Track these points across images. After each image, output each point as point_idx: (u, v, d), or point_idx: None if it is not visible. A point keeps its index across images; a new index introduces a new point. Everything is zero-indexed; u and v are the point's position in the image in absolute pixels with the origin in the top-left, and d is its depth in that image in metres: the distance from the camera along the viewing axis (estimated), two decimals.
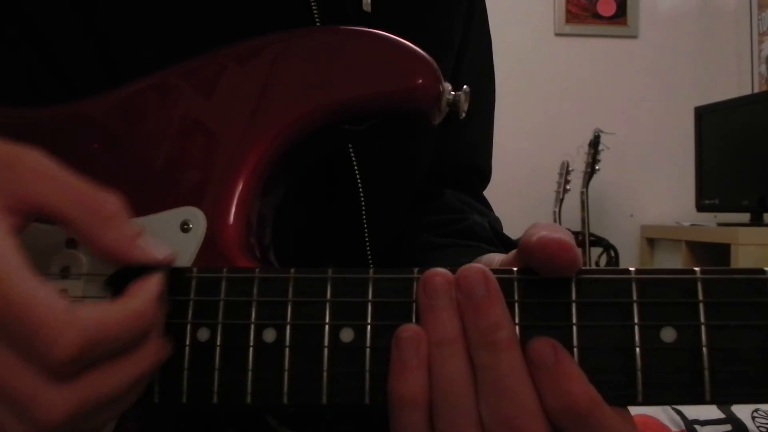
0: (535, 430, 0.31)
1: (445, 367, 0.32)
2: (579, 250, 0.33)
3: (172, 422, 0.42)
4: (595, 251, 2.81)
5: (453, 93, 0.42)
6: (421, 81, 0.41)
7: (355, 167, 0.51)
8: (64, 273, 0.40)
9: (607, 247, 2.83)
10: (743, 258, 2.21)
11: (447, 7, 0.59)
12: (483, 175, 0.69)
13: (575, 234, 2.73)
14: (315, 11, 0.48)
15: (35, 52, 0.48)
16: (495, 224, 0.61)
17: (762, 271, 0.32)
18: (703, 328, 0.32)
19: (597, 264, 2.79)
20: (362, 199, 0.52)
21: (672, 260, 2.82)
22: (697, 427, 0.65)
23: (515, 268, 0.34)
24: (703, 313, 0.32)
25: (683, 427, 0.65)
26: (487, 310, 0.32)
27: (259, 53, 0.43)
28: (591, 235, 2.72)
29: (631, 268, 0.33)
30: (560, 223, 2.70)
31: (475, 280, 0.33)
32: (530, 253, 0.33)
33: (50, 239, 0.41)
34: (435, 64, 0.41)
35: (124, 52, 0.47)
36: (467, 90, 0.43)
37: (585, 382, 0.31)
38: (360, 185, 0.52)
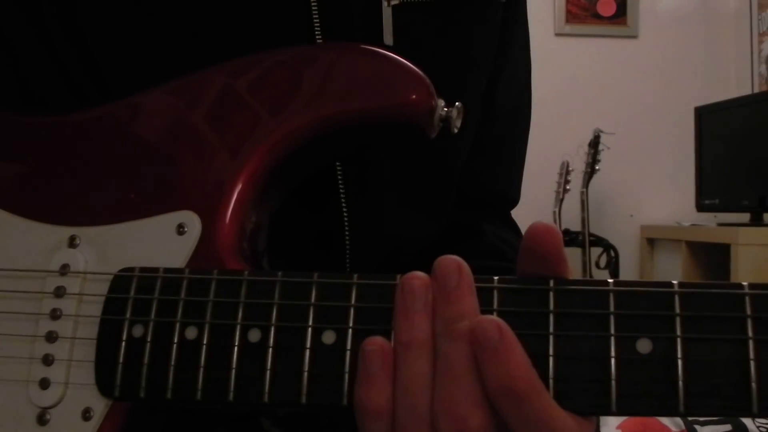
0: (474, 420, 0.32)
1: (409, 368, 0.33)
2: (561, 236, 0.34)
3: (162, 422, 0.43)
4: (595, 251, 2.80)
5: (446, 109, 0.43)
6: (414, 96, 0.42)
7: (340, 180, 0.51)
8: (63, 270, 0.42)
9: (607, 247, 2.83)
10: (743, 258, 2.20)
11: (471, 36, 0.57)
12: (513, 203, 0.69)
13: (575, 234, 2.73)
14: (318, 34, 0.49)
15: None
16: None
17: (739, 286, 0.32)
18: (678, 340, 0.32)
19: (597, 264, 2.79)
20: (345, 213, 0.52)
21: (672, 260, 2.82)
22: (697, 427, 0.65)
23: (496, 277, 0.35)
24: (679, 325, 0.32)
25: (683, 428, 0.65)
26: (455, 300, 0.33)
27: (258, 66, 0.45)
28: (591, 235, 2.72)
29: (610, 280, 0.34)
30: (560, 223, 2.70)
31: (449, 270, 0.34)
32: (523, 245, 0.34)
33: (53, 237, 0.43)
34: (428, 80, 0.42)
35: (116, 71, 0.48)
36: (459, 106, 0.44)
37: (527, 366, 0.32)
38: (343, 200, 0.52)
